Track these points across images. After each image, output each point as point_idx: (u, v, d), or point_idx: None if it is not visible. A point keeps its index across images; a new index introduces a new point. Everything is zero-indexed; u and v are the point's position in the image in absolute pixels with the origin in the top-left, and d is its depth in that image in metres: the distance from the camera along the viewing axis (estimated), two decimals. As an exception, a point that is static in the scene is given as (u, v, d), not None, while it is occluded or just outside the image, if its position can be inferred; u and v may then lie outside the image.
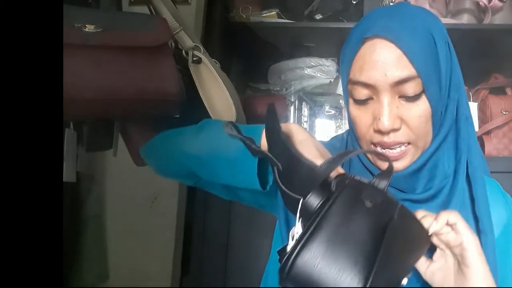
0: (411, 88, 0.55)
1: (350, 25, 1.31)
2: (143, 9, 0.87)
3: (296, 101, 1.47)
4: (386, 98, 0.56)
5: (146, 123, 0.86)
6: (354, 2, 1.36)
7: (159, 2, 0.83)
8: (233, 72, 1.45)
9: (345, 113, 1.47)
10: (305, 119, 1.49)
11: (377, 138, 0.57)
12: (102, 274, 1.30)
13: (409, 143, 0.57)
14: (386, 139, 0.57)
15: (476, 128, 1.22)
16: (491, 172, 0.66)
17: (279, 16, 1.41)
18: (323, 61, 1.47)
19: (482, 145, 1.23)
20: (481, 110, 1.28)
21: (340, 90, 1.43)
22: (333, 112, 1.52)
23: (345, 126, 1.47)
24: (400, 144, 0.57)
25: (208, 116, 0.87)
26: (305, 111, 1.49)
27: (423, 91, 0.56)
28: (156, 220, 1.25)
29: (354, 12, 1.36)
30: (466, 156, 0.60)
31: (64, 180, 0.72)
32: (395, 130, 0.56)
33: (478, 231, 0.57)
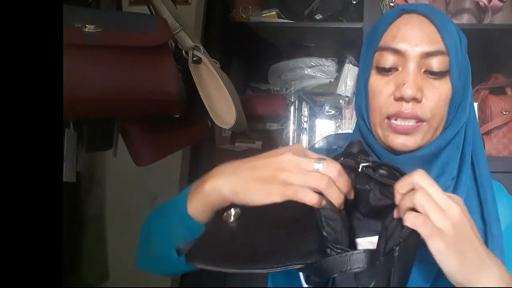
0: (437, 63, 0.57)
1: (350, 25, 1.31)
2: (143, 9, 0.87)
3: (296, 101, 1.47)
4: (412, 67, 0.57)
5: (146, 123, 0.86)
6: (354, 2, 1.35)
7: (159, 2, 0.83)
8: (233, 72, 1.45)
9: (345, 113, 1.47)
10: (305, 119, 1.49)
11: (395, 107, 0.57)
12: (102, 274, 1.30)
13: (423, 121, 0.58)
14: (405, 108, 0.57)
15: (476, 128, 1.22)
16: (491, 172, 0.66)
17: (279, 16, 1.41)
18: (323, 61, 1.47)
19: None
20: (481, 110, 1.28)
21: (340, 90, 1.43)
22: (333, 112, 1.52)
23: (345, 126, 1.47)
24: (417, 119, 0.57)
25: (208, 116, 0.87)
26: (305, 111, 1.49)
27: (448, 72, 0.58)
28: (156, 220, 1.25)
29: (354, 12, 1.35)
30: (469, 159, 0.61)
31: (64, 180, 0.72)
32: (416, 100, 0.57)
33: (486, 235, 0.57)
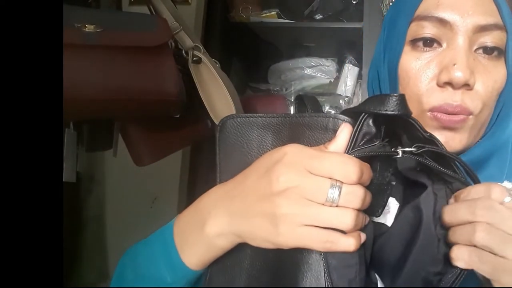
0: (491, 39, 0.45)
1: (350, 25, 1.31)
2: (143, 9, 0.87)
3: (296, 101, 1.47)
4: (463, 43, 0.44)
5: (146, 123, 0.85)
6: (354, 2, 1.35)
7: (159, 2, 0.83)
8: (233, 72, 1.45)
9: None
10: (305, 119, 1.49)
11: (438, 98, 0.45)
12: (102, 274, 1.30)
13: (471, 114, 0.45)
14: (453, 100, 0.44)
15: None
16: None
17: (279, 16, 1.41)
18: (323, 61, 1.47)
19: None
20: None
21: (340, 90, 1.43)
22: (333, 112, 1.52)
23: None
24: (467, 112, 0.45)
25: (208, 116, 0.87)
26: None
27: (503, 53, 0.46)
28: (156, 220, 1.25)
29: (354, 12, 1.35)
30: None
31: (64, 180, 0.71)
32: (467, 87, 0.44)
33: None
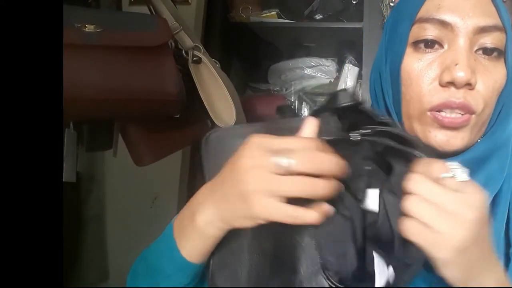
0: (491, 40, 0.46)
1: (350, 25, 1.31)
2: (143, 9, 0.87)
3: (296, 101, 1.47)
4: (464, 44, 0.46)
5: (146, 123, 0.86)
6: (354, 2, 1.35)
7: (159, 2, 0.83)
8: (233, 72, 1.45)
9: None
10: (305, 119, 1.49)
11: (442, 96, 0.46)
12: (102, 274, 1.30)
13: (473, 113, 0.46)
14: (455, 96, 0.45)
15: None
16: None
17: (279, 16, 1.41)
18: (323, 61, 1.47)
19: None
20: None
21: (340, 90, 1.43)
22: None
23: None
24: (468, 110, 0.46)
25: (208, 116, 0.87)
26: (305, 111, 1.49)
27: (503, 53, 0.47)
28: (156, 220, 1.25)
29: (354, 12, 1.36)
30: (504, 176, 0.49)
31: (64, 180, 0.71)
32: (469, 86, 0.45)
33: (507, 257, 0.48)
